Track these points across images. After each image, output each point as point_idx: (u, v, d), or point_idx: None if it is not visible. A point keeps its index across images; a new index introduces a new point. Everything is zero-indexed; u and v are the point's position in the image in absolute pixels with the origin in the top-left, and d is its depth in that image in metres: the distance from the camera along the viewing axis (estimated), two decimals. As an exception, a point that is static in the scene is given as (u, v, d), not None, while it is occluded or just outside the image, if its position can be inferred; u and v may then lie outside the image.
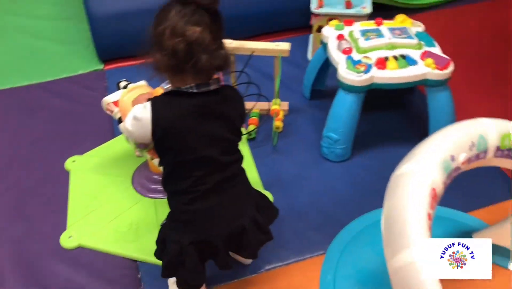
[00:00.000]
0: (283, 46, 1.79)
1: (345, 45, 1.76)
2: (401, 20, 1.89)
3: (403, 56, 1.69)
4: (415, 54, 1.70)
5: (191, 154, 1.10)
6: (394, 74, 1.64)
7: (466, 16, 2.71)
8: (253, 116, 1.95)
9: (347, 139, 1.74)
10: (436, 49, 1.74)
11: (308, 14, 2.27)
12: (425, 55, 1.69)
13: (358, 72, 1.63)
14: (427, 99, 1.72)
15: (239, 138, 1.20)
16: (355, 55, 1.71)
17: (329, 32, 1.87)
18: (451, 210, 1.57)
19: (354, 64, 1.66)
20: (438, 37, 2.45)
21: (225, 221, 1.14)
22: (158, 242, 1.22)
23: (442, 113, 1.71)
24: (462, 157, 1.09)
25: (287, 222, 1.59)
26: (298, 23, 2.51)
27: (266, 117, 1.97)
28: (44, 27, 2.63)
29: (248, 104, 1.96)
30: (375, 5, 2.27)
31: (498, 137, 1.14)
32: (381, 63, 1.66)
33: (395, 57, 1.69)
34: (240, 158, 1.20)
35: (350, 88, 1.66)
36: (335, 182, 1.73)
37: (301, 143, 1.90)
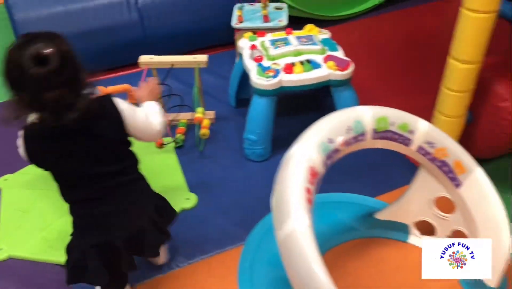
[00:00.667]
0: (201, 58, 1.94)
1: (256, 54, 1.92)
2: (309, 29, 2.07)
3: (308, 61, 1.86)
4: (318, 58, 1.88)
5: (67, 174, 1.20)
6: (300, 77, 1.81)
7: (381, 24, 2.94)
8: (180, 126, 2.07)
9: (265, 139, 1.89)
10: (338, 53, 1.92)
11: (233, 30, 2.43)
12: (328, 58, 1.87)
13: (268, 78, 1.78)
14: (333, 98, 1.89)
15: (125, 146, 1.26)
16: (265, 63, 1.87)
17: (244, 43, 2.03)
18: (359, 196, 1.73)
19: (264, 70, 1.82)
20: (356, 44, 2.69)
21: (124, 223, 1.22)
22: (65, 250, 1.28)
23: (348, 110, 1.88)
24: (339, 139, 1.24)
25: (210, 220, 1.70)
26: (226, 39, 2.67)
27: (194, 126, 2.09)
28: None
29: (172, 115, 2.09)
30: (299, 19, 2.46)
31: (373, 121, 1.30)
32: (289, 68, 1.83)
33: (301, 62, 1.86)
34: (132, 163, 1.27)
35: (262, 92, 1.81)
36: (256, 180, 1.86)
37: (227, 148, 2.03)
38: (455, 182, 1.37)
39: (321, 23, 2.85)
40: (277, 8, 2.46)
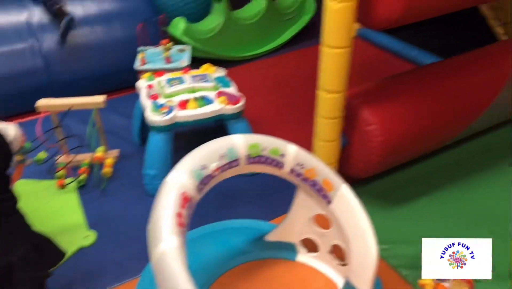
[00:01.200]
0: (98, 98, 2.01)
1: (153, 92, 2.02)
2: (205, 68, 2.21)
3: (202, 98, 1.98)
4: (211, 94, 2.00)
5: None
6: (193, 112, 1.92)
7: (283, 64, 3.15)
8: (82, 166, 2.10)
9: (164, 174, 1.95)
10: (231, 89, 2.06)
11: (137, 72, 2.52)
12: (220, 94, 2.00)
13: (161, 114, 1.88)
14: (228, 131, 2.01)
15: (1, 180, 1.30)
16: (161, 100, 1.97)
17: (142, 83, 2.12)
18: (253, 220, 1.83)
19: (158, 107, 1.91)
20: (257, 81, 2.86)
21: None
22: None
23: (242, 141, 2.00)
24: (213, 166, 1.34)
25: (109, 254, 1.73)
26: (131, 81, 2.75)
27: (98, 166, 2.13)
28: None
29: (73, 156, 2.12)
30: (204, 60, 2.59)
31: (246, 147, 1.42)
32: (183, 104, 1.94)
33: (195, 99, 1.97)
34: (5, 198, 1.30)
35: (158, 128, 1.90)
36: (157, 213, 1.92)
37: (129, 185, 2.08)
38: (326, 199, 1.50)
39: (226, 64, 3.02)
40: (181, 50, 2.59)
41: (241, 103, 1.98)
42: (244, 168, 1.44)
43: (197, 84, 2.04)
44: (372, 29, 1.83)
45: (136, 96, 2.67)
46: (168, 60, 2.47)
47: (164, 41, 2.46)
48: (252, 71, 3.05)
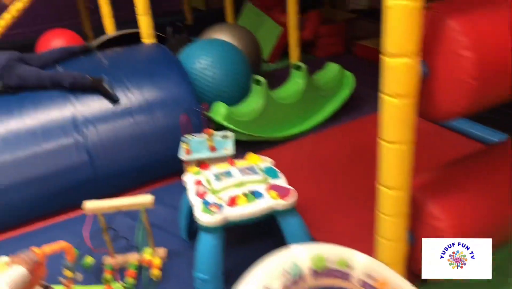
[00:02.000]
0: (146, 199, 1.95)
1: (200, 189, 1.96)
2: (250, 158, 2.15)
3: (252, 192, 1.90)
4: (261, 188, 1.92)
5: None
6: (244, 211, 1.83)
7: (326, 140, 3.08)
8: (130, 268, 2.02)
9: (215, 277, 1.85)
10: (280, 181, 1.98)
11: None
12: (270, 188, 1.91)
13: (211, 214, 1.80)
14: (281, 226, 1.91)
15: None
16: (209, 197, 1.90)
17: (189, 178, 2.07)
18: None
19: (207, 206, 1.84)
20: (300, 164, 2.78)
21: None
22: None
23: (296, 237, 1.89)
24: (276, 285, 1.23)
25: None
26: (175, 169, 2.72)
27: (146, 268, 2.04)
28: None
29: (120, 258, 2.05)
30: (245, 142, 2.55)
31: (309, 260, 1.30)
32: (232, 201, 1.86)
33: (245, 194, 1.89)
34: None
35: (208, 229, 1.81)
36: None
37: (179, 288, 1.97)
38: (401, 312, 1.35)
39: (268, 144, 2.97)
40: (224, 137, 2.56)
41: (293, 198, 1.88)
42: (311, 283, 1.32)
43: (245, 178, 1.97)
44: (434, 121, 1.74)
45: (181, 185, 2.63)
46: (212, 149, 2.43)
47: (207, 130, 2.43)
48: (294, 150, 2.98)
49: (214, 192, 1.93)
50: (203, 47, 3.26)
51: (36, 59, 2.83)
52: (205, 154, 2.41)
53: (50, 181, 2.44)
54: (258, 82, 3.06)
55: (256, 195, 1.89)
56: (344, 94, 3.32)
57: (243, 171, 2.03)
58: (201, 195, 1.92)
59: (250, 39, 3.76)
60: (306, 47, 4.52)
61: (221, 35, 3.66)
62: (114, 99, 2.66)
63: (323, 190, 2.53)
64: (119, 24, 4.53)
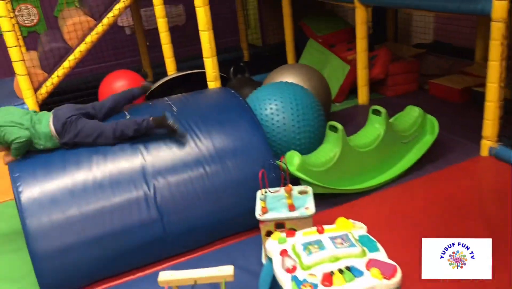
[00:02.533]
0: (227, 271, 1.74)
1: (288, 263, 1.72)
2: (341, 224, 1.90)
3: (348, 268, 1.65)
4: (359, 263, 1.66)
5: None
6: (342, 292, 1.57)
7: (412, 192, 2.78)
8: None
9: None
10: (381, 255, 1.71)
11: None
12: (370, 264, 1.65)
13: (305, 295, 1.55)
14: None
15: None
16: (300, 273, 1.66)
17: (273, 246, 1.84)
18: None
19: (299, 284, 1.60)
20: (383, 221, 2.50)
21: None
22: None
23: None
24: None
25: None
26: (249, 224, 2.51)
27: None
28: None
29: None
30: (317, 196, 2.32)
31: None
32: (327, 279, 1.61)
33: (340, 271, 1.64)
34: None
35: (300, 313, 1.56)
36: None
37: None
38: None
39: (345, 197, 2.72)
40: (302, 192, 2.33)
41: (398, 277, 1.61)
42: None
43: (340, 251, 1.72)
44: None
45: (255, 242, 2.42)
46: (291, 207, 2.20)
47: (286, 187, 2.21)
48: (375, 205, 2.71)
49: (305, 267, 1.68)
50: (271, 90, 3.08)
51: (98, 108, 2.71)
52: (283, 214, 2.19)
53: (116, 239, 2.28)
54: (334, 128, 2.83)
55: (354, 272, 1.63)
56: (427, 141, 3.03)
57: (335, 240, 1.78)
58: (289, 270, 1.68)
59: (319, 79, 3.56)
60: (374, 86, 4.27)
61: (288, 76, 3.49)
62: (180, 135, 2.52)
63: (414, 253, 2.23)
64: (177, 61, 4.48)
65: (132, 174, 2.43)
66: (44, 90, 4.36)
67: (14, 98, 4.41)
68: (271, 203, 2.25)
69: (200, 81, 4.06)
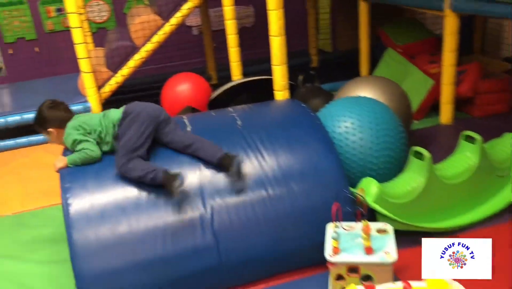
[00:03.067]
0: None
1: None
2: (434, 284, 1.54)
3: None
4: None
5: None
6: None
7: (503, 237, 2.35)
8: None
9: None
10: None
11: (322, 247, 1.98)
12: None
13: None
14: None
15: None
16: None
17: (349, 304, 1.53)
18: None
19: None
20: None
21: None
22: None
23: None
24: None
25: None
26: (315, 259, 2.21)
27: None
28: (33, 274, 2.41)
29: None
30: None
31: None
32: None
33: None
34: None
35: None
36: None
37: None
38: None
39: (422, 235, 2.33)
40: (380, 231, 2.00)
41: None
42: None
43: (435, 322, 1.38)
44: None
45: (320, 281, 2.12)
46: (368, 250, 1.87)
47: (365, 227, 1.89)
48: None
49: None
50: (347, 105, 2.74)
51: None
52: (359, 257, 1.87)
53: (168, 265, 2.05)
54: (418, 155, 2.46)
55: None
56: (528, 176, 2.58)
57: (429, 306, 1.45)
58: None
59: (400, 96, 3.18)
60: (459, 104, 3.80)
61: (366, 90, 3.13)
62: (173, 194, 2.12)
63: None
64: (243, 64, 4.25)
65: (189, 192, 2.19)
66: (108, 88, 4.28)
67: (77, 95, 4.36)
68: (344, 242, 1.94)
69: (265, 88, 3.81)
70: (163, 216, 2.11)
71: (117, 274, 2.01)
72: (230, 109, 2.65)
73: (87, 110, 4.22)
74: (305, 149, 2.33)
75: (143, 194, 2.17)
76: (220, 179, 2.23)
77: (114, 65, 4.30)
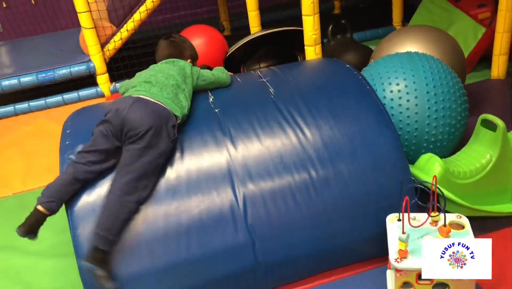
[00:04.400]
0: None
1: None
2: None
3: None
4: None
5: None
6: None
7: None
8: None
9: None
10: None
11: (384, 242, 1.62)
12: None
13: None
14: None
15: None
16: None
17: None
18: None
19: None
20: None
21: None
22: None
23: None
24: None
25: None
26: (369, 253, 1.87)
27: None
28: (36, 270, 2.11)
29: None
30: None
31: None
32: None
33: None
34: None
35: None
36: None
37: None
38: None
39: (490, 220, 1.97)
40: (456, 225, 1.61)
41: None
42: None
43: None
44: None
45: (376, 275, 1.78)
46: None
47: (442, 228, 1.51)
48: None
49: None
50: (397, 63, 2.28)
51: None
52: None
53: (194, 268, 1.70)
54: (487, 124, 2.04)
55: None
56: None
57: None
58: None
59: (454, 49, 2.70)
60: (512, 55, 3.31)
61: (412, 43, 2.66)
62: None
63: None
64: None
65: (216, 177, 1.81)
66: (112, 46, 3.83)
67: (79, 54, 3.93)
68: (412, 242, 1.56)
69: (288, 40, 3.35)
70: (188, 209, 1.74)
71: (133, 281, 1.67)
72: (257, 73, 2.22)
73: (90, 70, 3.81)
74: (355, 122, 1.91)
75: (161, 181, 1.79)
76: (252, 159, 1.85)
77: (118, 19, 3.84)
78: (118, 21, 3.85)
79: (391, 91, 2.18)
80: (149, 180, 1.71)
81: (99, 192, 1.74)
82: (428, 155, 1.98)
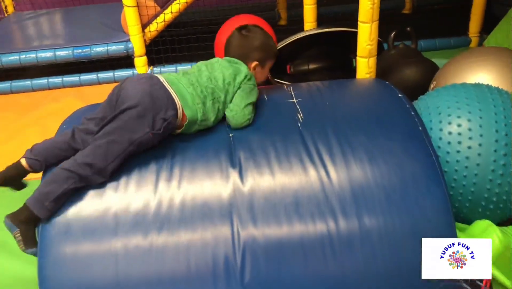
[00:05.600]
0: None
1: None
2: None
3: None
4: None
5: None
6: None
7: None
8: None
9: None
10: None
11: None
12: None
13: None
14: None
15: None
16: None
17: None
18: None
19: None
20: None
21: None
22: None
23: None
24: None
25: None
26: None
27: None
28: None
29: None
30: None
31: None
32: None
33: None
34: None
35: None
36: None
37: None
38: None
39: None
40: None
41: None
42: None
43: None
44: None
45: None
46: None
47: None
48: None
49: None
50: (460, 96, 1.85)
51: None
52: None
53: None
54: None
55: None
56: None
57: None
58: None
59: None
60: None
61: (486, 70, 2.19)
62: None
63: None
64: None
65: (214, 212, 1.51)
66: (154, 27, 3.58)
67: (118, 32, 3.71)
68: None
69: (343, 42, 2.98)
70: (173, 244, 1.46)
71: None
72: (289, 90, 1.86)
73: (128, 51, 3.58)
74: (396, 171, 1.52)
75: (152, 201, 1.51)
76: (261, 198, 1.52)
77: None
78: (163, 2, 3.59)
79: (450, 133, 1.77)
80: (107, 163, 1.51)
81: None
82: (485, 224, 1.57)
